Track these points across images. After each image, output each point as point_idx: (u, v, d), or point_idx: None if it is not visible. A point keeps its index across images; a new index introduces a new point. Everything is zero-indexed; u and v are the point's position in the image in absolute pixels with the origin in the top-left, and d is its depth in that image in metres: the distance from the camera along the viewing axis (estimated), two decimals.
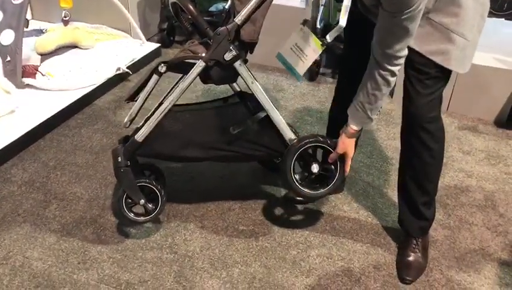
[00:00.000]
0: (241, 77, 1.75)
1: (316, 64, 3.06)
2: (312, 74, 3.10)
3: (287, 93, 2.95)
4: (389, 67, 1.48)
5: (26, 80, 2.66)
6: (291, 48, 1.83)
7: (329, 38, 1.73)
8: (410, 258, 1.81)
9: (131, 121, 1.88)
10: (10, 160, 2.28)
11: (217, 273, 1.76)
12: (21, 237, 1.87)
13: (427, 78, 1.57)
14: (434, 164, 1.73)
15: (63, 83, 2.72)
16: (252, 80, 1.74)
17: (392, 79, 1.51)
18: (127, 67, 2.97)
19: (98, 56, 3.05)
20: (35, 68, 2.77)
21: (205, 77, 1.76)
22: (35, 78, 2.70)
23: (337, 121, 1.81)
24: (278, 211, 2.06)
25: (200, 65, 1.70)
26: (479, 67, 2.64)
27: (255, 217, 2.02)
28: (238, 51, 1.68)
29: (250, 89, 1.77)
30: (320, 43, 1.75)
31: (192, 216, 2.01)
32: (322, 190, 1.83)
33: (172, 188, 2.12)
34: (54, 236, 1.88)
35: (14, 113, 2.47)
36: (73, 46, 3.10)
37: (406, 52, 1.47)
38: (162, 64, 1.72)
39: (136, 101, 1.81)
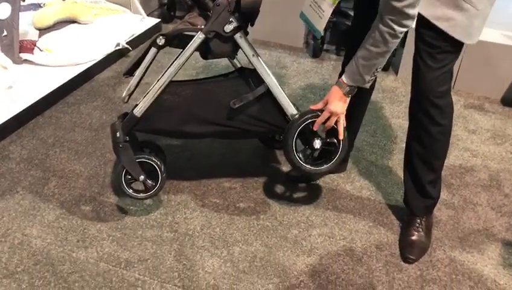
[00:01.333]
0: (242, 50, 1.70)
1: (320, 40, 3.00)
2: (316, 50, 3.04)
3: (290, 70, 2.90)
4: (391, 23, 1.41)
5: (24, 56, 2.61)
6: (310, 5, 1.80)
7: None
8: (414, 237, 1.79)
9: (130, 95, 1.83)
10: (8, 137, 2.25)
11: (217, 251, 1.74)
12: (20, 215, 1.85)
13: (437, 52, 1.52)
14: (442, 140, 1.69)
15: (62, 58, 2.67)
16: (253, 53, 1.70)
17: (390, 39, 1.44)
18: (127, 43, 2.92)
19: (97, 31, 2.99)
20: (33, 43, 2.71)
21: (205, 50, 1.72)
22: (33, 53, 2.65)
23: None
24: (280, 189, 2.04)
25: (199, 37, 1.65)
26: (486, 44, 2.58)
27: (256, 195, 1.99)
28: (238, 22, 1.63)
29: (251, 63, 1.72)
30: None
31: (193, 194, 1.98)
32: (325, 166, 1.79)
33: (173, 165, 2.09)
34: (53, 214, 1.86)
35: (12, 89, 2.43)
36: (72, 21, 3.03)
37: (414, 12, 1.38)
38: (161, 37, 1.67)
39: (134, 75, 1.77)
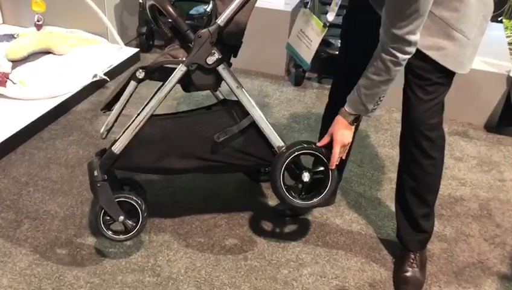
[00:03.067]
0: (225, 82, 1.64)
1: (302, 68, 2.97)
2: (298, 79, 3.00)
3: (273, 99, 2.85)
4: (393, 51, 1.36)
5: None
6: (297, 35, 1.77)
7: (329, 17, 1.65)
8: (408, 274, 1.72)
9: (108, 131, 1.75)
10: None
11: None
12: None
13: (428, 84, 1.48)
14: (434, 173, 1.65)
15: (36, 91, 2.57)
16: (237, 85, 1.64)
17: (392, 67, 1.39)
18: (104, 74, 2.83)
19: (73, 62, 2.90)
20: (6, 76, 2.61)
21: (187, 83, 1.65)
22: (5, 86, 2.54)
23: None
24: (267, 226, 1.95)
25: (181, 70, 1.59)
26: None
27: (243, 233, 1.90)
28: (221, 53, 1.58)
29: (235, 95, 1.66)
30: (322, 24, 1.67)
31: (176, 234, 1.88)
32: (314, 200, 1.72)
33: (154, 202, 2.00)
34: (26, 260, 1.74)
35: None
36: (47, 52, 2.94)
37: (415, 38, 1.34)
38: (140, 70, 1.60)
39: (112, 110, 1.69)
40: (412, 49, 1.37)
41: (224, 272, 1.74)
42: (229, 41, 1.60)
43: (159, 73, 1.65)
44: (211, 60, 1.58)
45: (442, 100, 1.56)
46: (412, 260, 1.73)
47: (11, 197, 2.02)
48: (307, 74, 3.10)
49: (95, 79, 2.77)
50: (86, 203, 2.00)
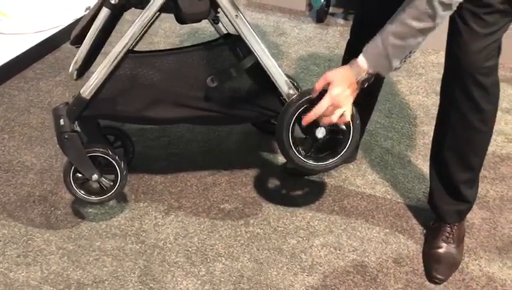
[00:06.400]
0: (221, 9, 1.31)
1: (325, 1, 2.58)
2: (320, 14, 2.62)
3: (290, 38, 2.49)
4: None
5: None
6: None
7: None
8: (442, 250, 1.43)
9: (81, 70, 1.45)
10: None
11: (194, 269, 1.39)
12: None
13: (487, 11, 1.14)
14: (485, 131, 1.34)
15: (20, 24, 2.29)
16: (236, 13, 1.30)
17: (441, 10, 1.06)
18: None
19: None
20: None
21: (176, 11, 1.33)
22: None
23: None
24: (274, 186, 1.67)
25: None
26: None
27: (245, 194, 1.62)
28: None
29: (233, 26, 1.33)
30: None
31: (167, 193, 1.62)
32: (330, 160, 1.42)
33: (145, 156, 1.73)
34: None
35: None
36: None
37: None
38: None
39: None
40: None
41: (221, 240, 1.48)
42: None
43: None
44: None
45: (500, 37, 1.21)
46: (447, 234, 1.44)
47: None
48: (331, 9, 2.71)
49: (88, 12, 2.45)
50: None
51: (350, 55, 1.33)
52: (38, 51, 2.24)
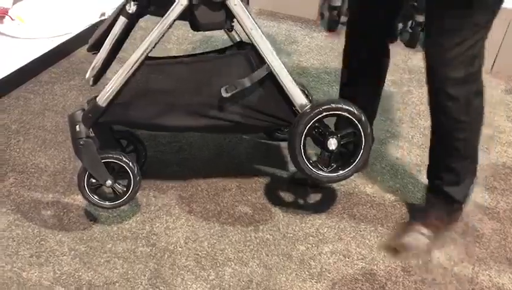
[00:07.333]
0: (238, 21, 1.32)
1: (337, 11, 2.59)
2: (332, 23, 2.63)
3: (301, 46, 2.50)
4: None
5: None
6: None
7: None
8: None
9: (97, 77, 1.48)
10: None
11: (203, 273, 1.40)
12: None
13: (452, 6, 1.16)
14: (467, 138, 1.38)
15: (36, 29, 2.31)
16: (252, 26, 1.32)
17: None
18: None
19: None
20: (5, 11, 2.35)
21: (192, 20, 1.35)
22: (2, 22, 2.29)
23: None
24: (284, 193, 1.67)
25: (180, 3, 1.28)
26: None
27: (255, 199, 1.63)
28: None
29: (249, 38, 1.35)
30: None
31: (178, 197, 1.63)
32: (340, 172, 1.44)
33: (156, 160, 1.74)
34: (5, 220, 1.52)
35: None
36: None
37: None
38: (132, 2, 1.30)
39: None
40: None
41: (231, 244, 1.48)
42: None
43: (156, 7, 1.35)
44: None
45: (476, 43, 1.23)
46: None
47: None
48: (342, 18, 2.72)
49: (102, 18, 2.49)
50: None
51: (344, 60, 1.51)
52: (54, 55, 2.27)
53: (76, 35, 2.37)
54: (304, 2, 2.73)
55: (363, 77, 1.55)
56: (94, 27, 2.46)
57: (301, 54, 2.44)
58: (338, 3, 2.58)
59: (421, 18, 2.41)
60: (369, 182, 1.73)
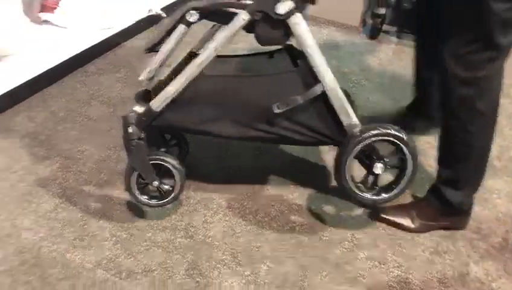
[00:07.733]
0: (296, 38, 1.34)
1: (380, 19, 2.58)
2: (374, 30, 2.61)
3: (342, 52, 2.51)
4: None
5: (44, 15, 2.33)
6: None
7: None
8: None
9: (151, 79, 1.52)
10: (16, 105, 1.98)
11: (239, 269, 1.42)
12: (13, 200, 1.58)
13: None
14: (474, 145, 1.40)
15: (85, 22, 2.38)
16: (312, 44, 1.34)
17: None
18: (161, 9, 2.59)
19: None
20: (57, 3, 2.43)
21: (255, 33, 1.37)
22: (53, 13, 2.37)
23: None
24: (321, 195, 1.68)
25: (242, 18, 1.30)
26: None
27: (292, 201, 1.65)
28: (296, 1, 1.28)
29: (306, 56, 1.36)
30: None
31: (217, 192, 1.66)
32: (384, 195, 1.48)
33: (197, 155, 1.78)
34: (52, 202, 1.58)
35: (26, 52, 2.15)
36: None
37: None
38: (193, 12, 1.33)
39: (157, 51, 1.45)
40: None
41: (267, 242, 1.50)
42: None
43: (217, 17, 1.38)
44: (281, 8, 1.28)
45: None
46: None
47: (46, 132, 1.87)
48: (384, 27, 2.71)
49: (150, 13, 2.55)
50: (123, 148, 1.81)
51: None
52: (101, 48, 2.34)
53: (124, 29, 2.44)
54: (347, 8, 2.72)
55: None
56: (140, 23, 2.53)
57: (342, 59, 2.45)
58: (382, 12, 2.57)
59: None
60: (407, 191, 1.71)
